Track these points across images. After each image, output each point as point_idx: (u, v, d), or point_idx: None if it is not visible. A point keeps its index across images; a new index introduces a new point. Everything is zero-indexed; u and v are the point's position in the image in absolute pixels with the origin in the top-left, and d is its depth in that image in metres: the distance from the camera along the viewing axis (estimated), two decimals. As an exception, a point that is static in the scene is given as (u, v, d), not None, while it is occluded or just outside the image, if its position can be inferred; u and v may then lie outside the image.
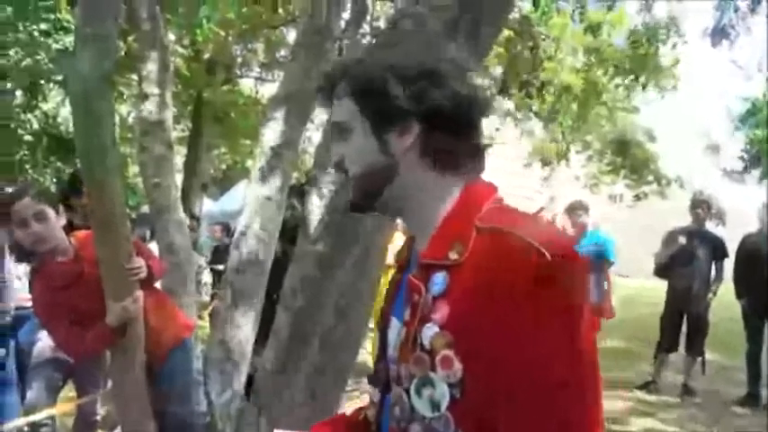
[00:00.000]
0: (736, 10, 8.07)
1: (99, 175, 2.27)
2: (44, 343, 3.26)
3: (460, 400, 0.89)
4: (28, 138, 9.58)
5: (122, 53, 6.22)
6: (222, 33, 8.22)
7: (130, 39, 5.38)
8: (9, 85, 8.37)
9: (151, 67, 3.38)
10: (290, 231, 3.46)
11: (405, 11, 2.29)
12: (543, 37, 8.23)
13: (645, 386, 5.75)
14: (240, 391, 2.89)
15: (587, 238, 5.47)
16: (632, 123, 11.23)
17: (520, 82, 8.41)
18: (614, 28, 8.38)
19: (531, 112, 9.75)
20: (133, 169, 11.24)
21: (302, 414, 2.50)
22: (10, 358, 3.80)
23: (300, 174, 7.17)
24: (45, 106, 9.83)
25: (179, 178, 6.69)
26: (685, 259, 5.59)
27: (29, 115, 9.50)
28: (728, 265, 5.75)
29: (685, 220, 5.94)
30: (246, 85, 12.47)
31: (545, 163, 11.38)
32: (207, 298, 7.80)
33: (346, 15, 3.67)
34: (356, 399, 3.48)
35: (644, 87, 9.25)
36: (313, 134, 7.62)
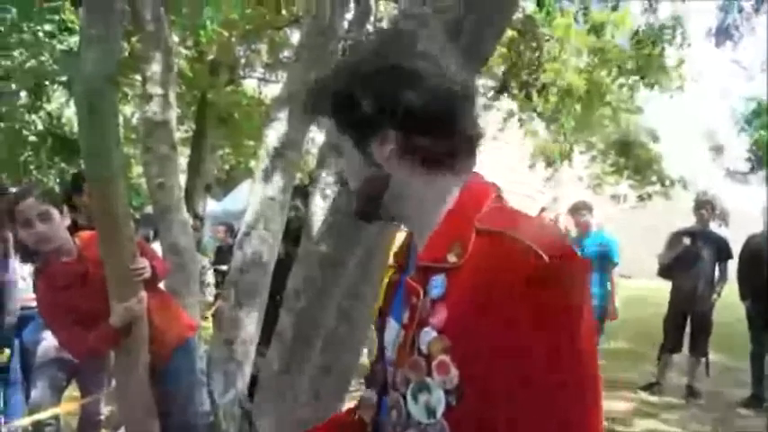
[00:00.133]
0: (741, 10, 8.04)
1: (103, 175, 2.27)
2: (48, 343, 3.27)
3: (456, 407, 0.88)
4: (32, 138, 9.60)
5: (126, 54, 6.23)
6: (226, 34, 8.22)
7: (134, 40, 5.39)
8: (13, 86, 8.39)
9: (155, 68, 3.39)
10: (294, 232, 3.47)
11: (408, 11, 2.29)
12: (547, 38, 8.21)
13: (648, 387, 5.75)
14: (244, 391, 2.90)
15: (591, 238, 5.47)
16: (636, 124, 11.20)
17: (520, 82, 8.39)
18: (618, 28, 8.36)
19: (535, 113, 9.73)
20: (137, 170, 11.25)
21: (305, 415, 2.50)
22: (15, 358, 3.82)
23: (304, 174, 7.17)
24: (49, 107, 9.85)
25: (183, 179, 6.70)
26: (689, 260, 5.58)
27: (33, 116, 9.52)
28: (732, 266, 5.73)
29: (689, 221, 5.93)
30: (250, 85, 12.47)
31: (548, 163, 11.35)
32: (210, 298, 7.81)
33: (350, 16, 3.67)
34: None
35: (651, 87, 9.22)
36: (316, 135, 7.62)
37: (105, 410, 3.77)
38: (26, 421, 3.26)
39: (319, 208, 2.58)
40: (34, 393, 3.33)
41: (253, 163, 11.56)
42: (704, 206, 5.74)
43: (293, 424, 2.46)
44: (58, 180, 9.80)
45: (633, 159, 11.57)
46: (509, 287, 0.84)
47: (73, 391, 3.77)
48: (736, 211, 10.27)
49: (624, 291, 6.46)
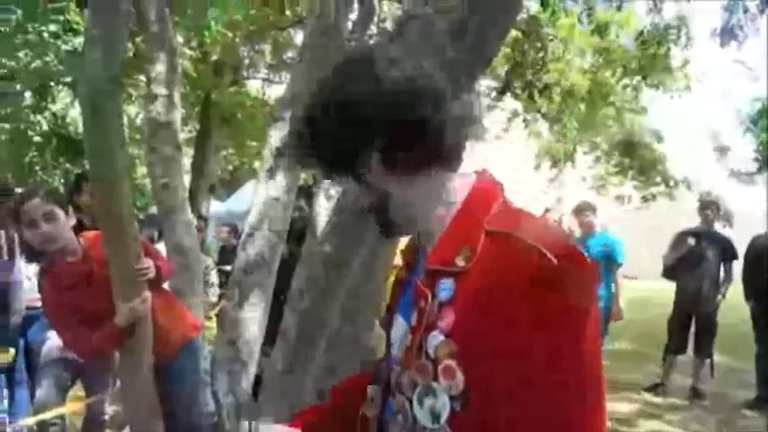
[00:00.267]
0: (746, 11, 8.02)
1: (107, 175, 2.28)
2: (53, 342, 3.28)
3: (461, 413, 0.88)
4: (37, 139, 9.63)
5: (131, 54, 6.25)
6: (230, 35, 8.23)
7: (139, 40, 5.40)
8: (18, 87, 8.42)
9: (159, 69, 3.40)
10: (298, 232, 3.48)
11: (412, 12, 2.29)
12: (551, 38, 8.20)
13: (653, 388, 5.73)
14: (248, 391, 2.90)
15: (595, 239, 5.46)
16: (640, 124, 11.16)
17: (524, 82, 8.39)
18: (622, 28, 8.34)
19: (539, 113, 9.71)
20: (141, 170, 11.28)
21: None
22: (20, 357, 3.83)
23: (308, 175, 7.17)
24: (54, 107, 9.87)
25: (187, 179, 6.72)
26: (694, 261, 5.56)
27: (38, 117, 9.55)
28: (737, 266, 5.71)
29: (693, 222, 5.91)
30: (254, 86, 12.49)
31: (553, 164, 11.32)
32: (214, 299, 7.81)
33: (353, 16, 3.68)
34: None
35: (656, 88, 9.20)
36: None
37: (110, 410, 3.78)
38: (31, 421, 3.27)
39: (323, 208, 2.59)
40: (39, 393, 3.33)
41: (257, 163, 11.54)
42: (709, 207, 5.72)
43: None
44: (62, 180, 9.82)
45: (637, 160, 11.53)
46: (511, 287, 0.84)
47: (78, 390, 3.78)
48: (740, 211, 10.23)
49: (628, 291, 6.44)
